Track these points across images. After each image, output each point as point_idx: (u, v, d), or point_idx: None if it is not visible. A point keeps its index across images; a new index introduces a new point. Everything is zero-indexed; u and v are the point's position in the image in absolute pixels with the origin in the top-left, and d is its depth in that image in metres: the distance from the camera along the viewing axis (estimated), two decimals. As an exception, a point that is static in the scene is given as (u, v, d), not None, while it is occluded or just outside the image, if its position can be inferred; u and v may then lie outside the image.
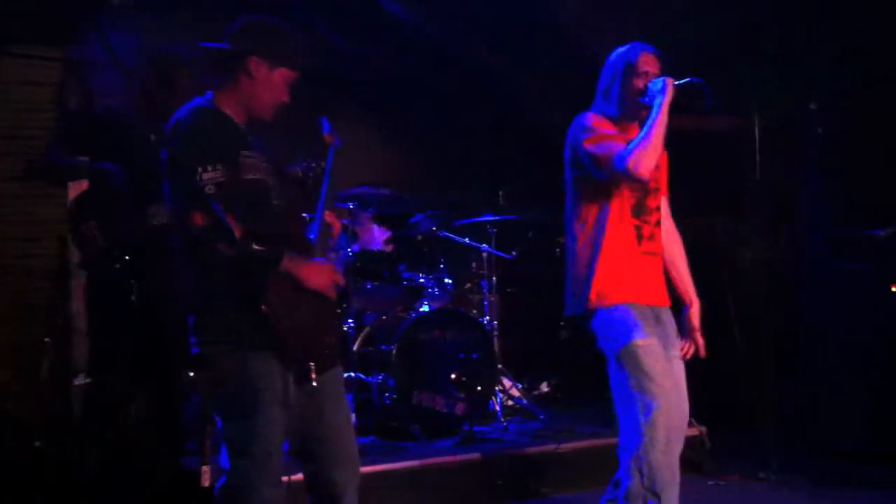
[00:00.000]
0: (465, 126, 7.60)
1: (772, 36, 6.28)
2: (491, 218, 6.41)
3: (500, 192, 6.69)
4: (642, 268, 3.76)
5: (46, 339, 6.28)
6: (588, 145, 3.69)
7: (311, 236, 3.29)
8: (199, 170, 2.96)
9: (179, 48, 4.29)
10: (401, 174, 7.46)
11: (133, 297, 4.10)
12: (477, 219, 6.44)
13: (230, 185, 3.00)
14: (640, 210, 3.78)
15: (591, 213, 3.78)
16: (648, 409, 3.55)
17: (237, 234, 2.93)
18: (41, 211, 6.58)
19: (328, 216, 3.34)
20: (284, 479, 3.10)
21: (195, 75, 4.21)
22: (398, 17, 6.66)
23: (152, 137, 3.10)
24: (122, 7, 2.53)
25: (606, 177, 3.68)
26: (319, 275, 3.11)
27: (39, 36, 6.45)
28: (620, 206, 3.75)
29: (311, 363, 3.04)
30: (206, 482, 2.56)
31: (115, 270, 4.14)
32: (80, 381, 6.23)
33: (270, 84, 3.20)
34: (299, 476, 3.24)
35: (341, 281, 3.20)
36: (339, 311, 3.33)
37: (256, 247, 2.94)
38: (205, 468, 2.57)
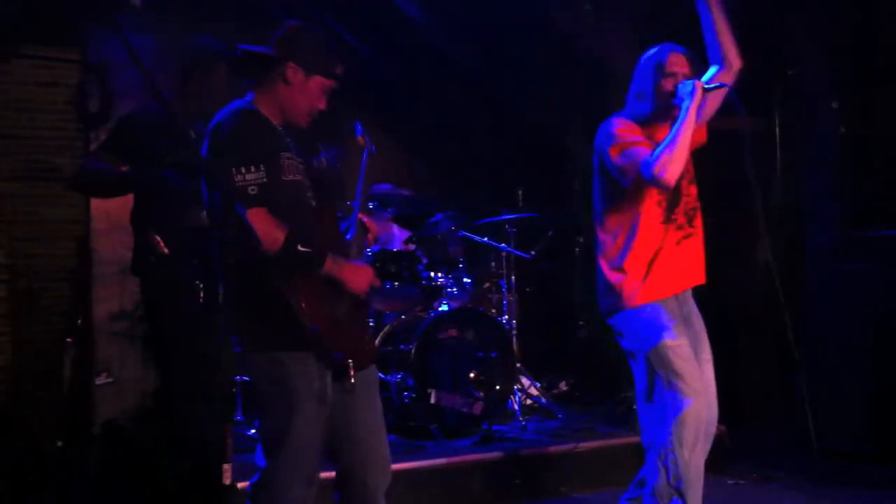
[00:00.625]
0: (479, 126, 7.61)
1: (786, 35, 6.25)
2: (510, 217, 6.41)
3: (519, 192, 6.69)
4: (677, 257, 3.76)
5: (68, 339, 6.33)
6: (613, 153, 3.69)
7: (348, 237, 3.35)
8: (243, 170, 3.01)
9: (214, 42, 4.32)
10: (417, 175, 7.49)
11: (200, 300, 4.13)
12: (496, 218, 6.44)
13: (272, 187, 3.05)
14: (671, 207, 3.78)
15: (619, 217, 3.79)
16: (679, 408, 3.55)
17: (282, 234, 2.99)
18: (53, 211, 6.64)
19: (363, 218, 3.40)
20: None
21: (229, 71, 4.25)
22: (412, 17, 6.67)
23: (192, 134, 3.12)
24: (142, 9, 2.55)
25: (633, 185, 3.68)
26: (360, 276, 3.17)
27: (50, 37, 6.51)
28: (649, 209, 3.75)
29: (350, 360, 3.08)
30: (227, 480, 2.58)
31: (183, 273, 4.17)
32: (101, 380, 6.28)
33: (306, 91, 3.23)
34: (327, 474, 3.27)
35: (377, 283, 3.25)
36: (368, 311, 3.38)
37: (302, 248, 3.00)
38: (226, 466, 2.58)
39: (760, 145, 6.23)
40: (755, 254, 6.26)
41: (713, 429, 3.73)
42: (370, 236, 3.46)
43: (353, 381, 3.08)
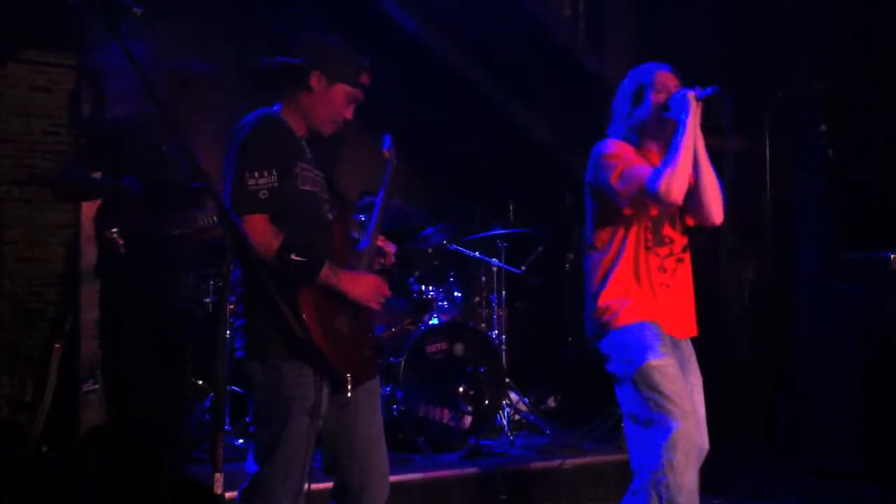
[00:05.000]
0: (471, 140, 7.62)
1: (776, 57, 6.30)
2: (501, 232, 6.42)
3: (511, 206, 6.71)
4: (659, 300, 3.67)
5: (56, 345, 6.30)
6: (611, 175, 3.60)
7: (360, 247, 3.36)
8: (256, 174, 3.04)
9: (196, 63, 4.35)
10: (409, 188, 7.50)
11: (144, 303, 4.15)
12: (487, 233, 6.45)
13: (284, 193, 3.08)
14: (658, 241, 3.71)
15: (607, 241, 3.72)
16: (668, 431, 3.44)
17: (277, 242, 3.01)
18: (46, 216, 6.62)
19: (380, 241, 3.41)
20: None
21: (213, 88, 4.26)
22: (407, 30, 6.69)
23: (164, 149, 3.15)
24: (143, 17, 2.56)
25: (634, 205, 3.61)
26: (361, 285, 3.17)
27: (46, 42, 6.51)
28: (637, 236, 3.68)
29: (348, 374, 3.08)
30: (218, 489, 2.57)
31: (130, 277, 4.19)
32: (88, 387, 6.25)
33: (329, 99, 3.27)
34: (321, 485, 3.27)
35: (387, 293, 3.25)
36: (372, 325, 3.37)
37: (295, 257, 2.99)
38: (217, 475, 2.58)
39: (750, 166, 6.26)
40: (743, 273, 6.30)
41: (704, 451, 3.64)
42: (387, 258, 3.47)
43: (349, 395, 3.08)
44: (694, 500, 3.54)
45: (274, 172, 3.06)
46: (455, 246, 6.48)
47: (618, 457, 5.40)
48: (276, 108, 3.29)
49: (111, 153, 4.27)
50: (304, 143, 3.27)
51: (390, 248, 3.44)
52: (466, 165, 7.70)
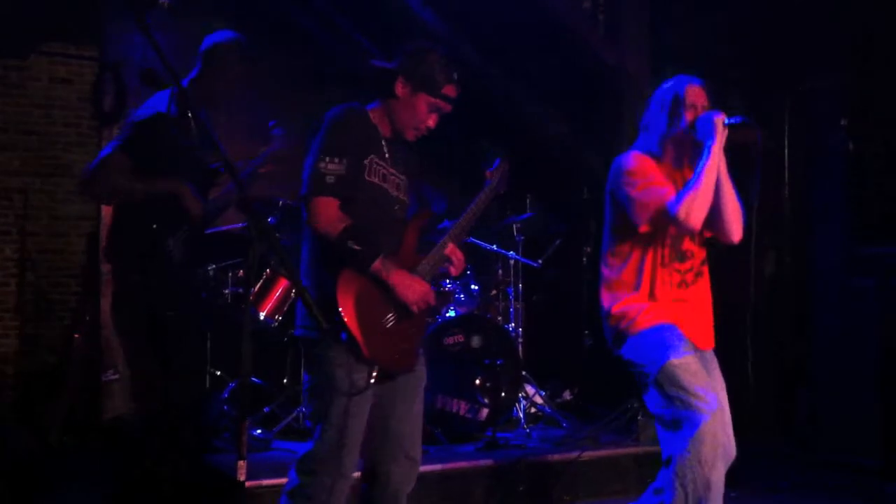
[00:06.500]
0: (489, 134, 7.61)
1: (796, 51, 6.28)
2: (517, 219, 6.43)
3: (528, 199, 6.71)
4: (678, 314, 3.66)
5: (76, 335, 6.36)
6: (632, 192, 3.59)
7: (427, 252, 3.46)
8: (327, 159, 3.21)
9: (236, 35, 4.37)
10: (427, 181, 7.50)
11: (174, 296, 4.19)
12: (505, 221, 6.47)
13: (351, 181, 3.23)
14: (677, 255, 3.70)
15: (624, 254, 3.71)
16: (695, 426, 3.42)
17: (341, 225, 3.17)
18: (67, 208, 6.68)
19: (450, 249, 3.47)
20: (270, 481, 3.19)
21: (244, 62, 4.31)
22: (427, 24, 6.70)
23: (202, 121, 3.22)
24: (169, 9, 2.60)
25: (651, 225, 3.59)
26: (410, 286, 3.27)
27: (69, 34, 6.55)
28: (655, 252, 3.67)
29: (376, 364, 3.19)
30: (241, 476, 2.61)
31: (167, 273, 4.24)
32: (109, 376, 6.31)
33: (411, 106, 3.40)
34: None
35: (433, 301, 3.35)
36: (424, 321, 3.49)
37: (353, 244, 3.15)
38: (241, 463, 2.62)
39: (769, 159, 6.25)
40: (762, 267, 6.29)
41: (732, 450, 3.61)
42: (452, 269, 3.51)
43: (371, 382, 3.17)
44: (719, 499, 3.51)
45: (344, 161, 3.22)
46: (472, 239, 6.49)
47: (635, 449, 5.42)
48: (371, 105, 3.44)
49: (154, 150, 4.25)
50: (384, 141, 3.41)
51: (458, 256, 3.49)
52: (484, 158, 7.69)
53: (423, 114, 3.41)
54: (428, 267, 3.43)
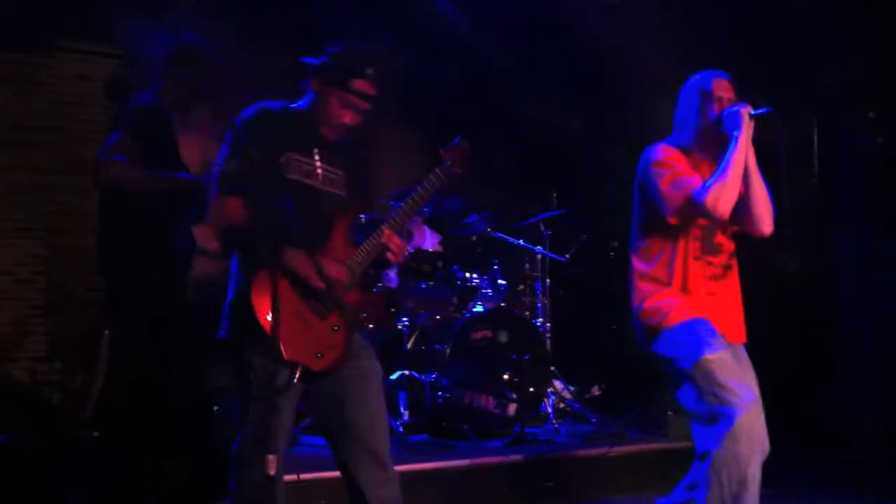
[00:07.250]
0: (515, 129, 7.59)
1: (824, 43, 6.20)
2: (545, 216, 6.41)
3: (554, 194, 6.68)
4: (710, 308, 3.65)
5: (105, 332, 6.38)
6: (660, 183, 3.61)
7: (361, 240, 3.37)
8: (230, 159, 3.18)
9: (202, 41, 4.38)
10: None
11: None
12: (533, 219, 6.44)
13: (255, 179, 3.12)
14: (707, 249, 3.71)
15: (655, 248, 3.72)
16: (730, 421, 3.40)
17: (243, 224, 3.12)
18: (91, 204, 6.68)
19: (386, 236, 3.35)
20: (293, 476, 3.16)
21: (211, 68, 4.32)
22: (454, 22, 6.68)
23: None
24: (195, 6, 2.61)
25: (680, 217, 3.59)
26: (300, 262, 3.14)
27: (92, 31, 6.56)
28: (687, 244, 3.67)
29: (298, 366, 3.10)
30: (271, 471, 2.63)
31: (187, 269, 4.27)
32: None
33: (326, 102, 3.33)
34: (308, 475, 3.30)
35: (344, 278, 3.23)
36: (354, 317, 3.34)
37: (256, 240, 3.04)
38: (271, 457, 2.63)
39: (795, 154, 6.18)
40: (785, 262, 6.22)
41: (766, 444, 3.56)
42: (390, 256, 3.38)
43: (293, 382, 3.09)
44: (756, 494, 3.47)
45: (257, 158, 3.09)
46: (499, 234, 6.47)
47: (663, 445, 5.39)
48: (297, 103, 3.39)
49: (158, 137, 4.26)
50: (310, 136, 3.34)
51: (395, 243, 3.35)
52: (510, 154, 7.67)
53: (336, 109, 3.31)
54: (361, 257, 3.31)
